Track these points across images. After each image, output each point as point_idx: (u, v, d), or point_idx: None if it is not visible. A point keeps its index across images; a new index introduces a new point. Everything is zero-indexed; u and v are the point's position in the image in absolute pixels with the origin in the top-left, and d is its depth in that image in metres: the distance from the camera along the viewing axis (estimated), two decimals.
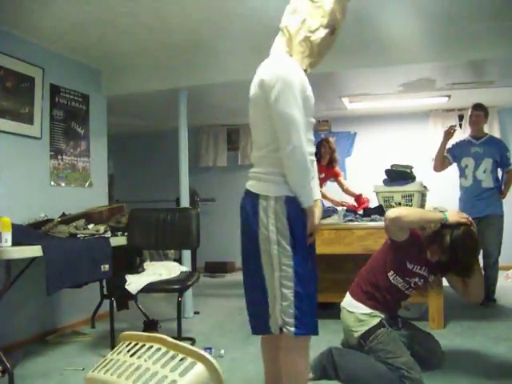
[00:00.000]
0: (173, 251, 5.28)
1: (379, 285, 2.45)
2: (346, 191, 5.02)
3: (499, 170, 4.15)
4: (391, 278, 2.44)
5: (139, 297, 3.76)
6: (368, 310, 2.44)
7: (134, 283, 2.97)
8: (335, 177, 5.12)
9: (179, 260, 4.05)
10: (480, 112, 4.19)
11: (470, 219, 2.36)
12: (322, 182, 4.97)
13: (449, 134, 4.18)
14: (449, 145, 4.30)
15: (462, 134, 6.22)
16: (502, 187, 4.15)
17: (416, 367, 2.29)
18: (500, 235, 4.03)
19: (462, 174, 4.20)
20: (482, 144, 4.14)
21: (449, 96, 5.50)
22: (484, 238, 4.00)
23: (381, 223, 3.40)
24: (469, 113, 4.29)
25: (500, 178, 4.16)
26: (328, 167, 4.99)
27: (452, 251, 2.26)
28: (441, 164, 4.28)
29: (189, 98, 4.30)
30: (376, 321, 2.41)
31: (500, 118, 6.21)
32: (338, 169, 5.18)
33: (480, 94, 5.35)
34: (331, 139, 5.07)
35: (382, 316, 2.43)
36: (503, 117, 6.22)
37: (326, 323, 3.57)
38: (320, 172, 4.92)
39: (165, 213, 3.48)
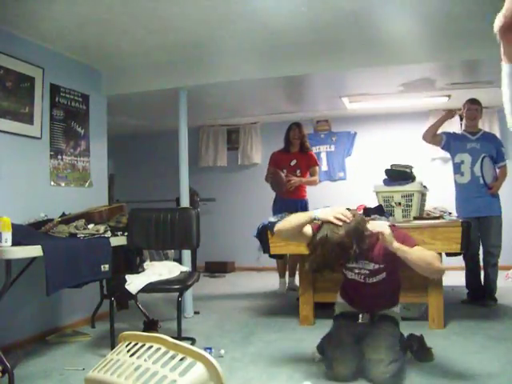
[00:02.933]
0: (172, 251, 5.28)
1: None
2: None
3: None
4: (343, 270, 2.59)
5: (139, 297, 3.77)
6: (337, 299, 2.74)
7: (134, 283, 2.97)
8: (311, 164, 4.86)
9: (179, 260, 4.04)
10: (477, 106, 4.17)
11: (347, 217, 2.28)
12: (294, 169, 4.78)
13: (450, 113, 4.24)
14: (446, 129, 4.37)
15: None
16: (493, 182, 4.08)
17: (341, 364, 2.37)
18: (500, 235, 4.03)
19: (458, 171, 4.14)
20: (479, 140, 4.11)
21: (449, 96, 5.50)
22: (486, 240, 4.03)
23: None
24: (465, 108, 4.24)
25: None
26: (301, 153, 4.81)
27: (313, 248, 2.29)
28: (432, 136, 4.23)
29: (189, 98, 4.29)
30: (337, 309, 2.71)
31: (500, 118, 6.20)
32: (314, 155, 5.01)
33: (480, 93, 5.34)
34: (301, 124, 4.89)
35: (344, 306, 2.67)
36: (503, 117, 6.14)
37: (326, 323, 3.56)
38: (290, 159, 4.78)
39: (165, 213, 3.48)
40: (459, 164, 4.12)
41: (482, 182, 4.02)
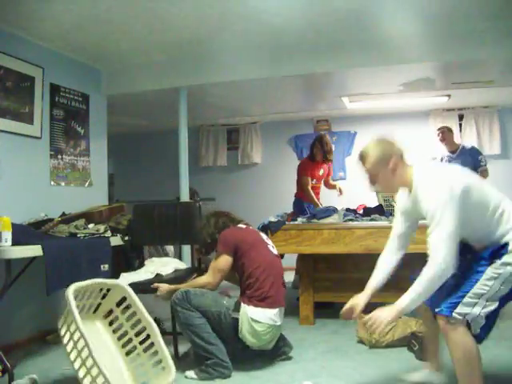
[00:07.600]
0: (172, 250, 5.29)
1: None
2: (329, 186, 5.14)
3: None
4: None
5: (139, 297, 3.75)
6: None
7: (124, 280, 2.95)
8: (329, 174, 5.09)
9: (179, 258, 4.05)
10: (443, 129, 4.92)
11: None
12: (321, 178, 4.96)
13: None
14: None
15: (462, 135, 6.28)
16: None
17: None
18: None
19: None
20: (458, 156, 4.78)
21: (449, 95, 5.50)
22: None
23: (381, 223, 3.41)
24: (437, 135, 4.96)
25: None
26: (324, 163, 4.90)
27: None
28: None
29: (189, 98, 4.29)
30: None
31: (500, 118, 6.20)
32: (331, 168, 5.15)
33: (480, 93, 5.35)
34: (327, 137, 4.87)
35: None
36: (503, 117, 6.21)
37: (326, 323, 3.57)
38: (318, 169, 4.88)
39: (167, 207, 3.54)
40: None
41: None
